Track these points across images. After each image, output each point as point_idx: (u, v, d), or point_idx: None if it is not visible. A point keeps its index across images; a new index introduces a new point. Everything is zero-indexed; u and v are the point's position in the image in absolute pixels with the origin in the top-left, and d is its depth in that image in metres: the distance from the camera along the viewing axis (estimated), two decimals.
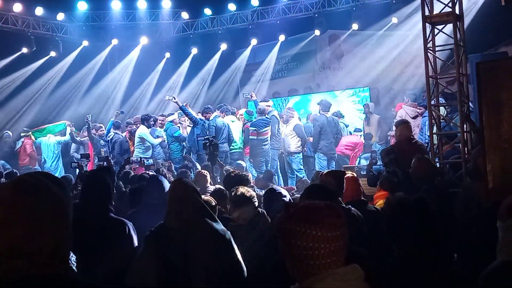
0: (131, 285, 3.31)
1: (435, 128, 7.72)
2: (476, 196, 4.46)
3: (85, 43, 15.59)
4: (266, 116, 11.41)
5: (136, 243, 3.74)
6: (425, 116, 9.64)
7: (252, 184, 7.39)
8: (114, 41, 15.76)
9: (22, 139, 12.87)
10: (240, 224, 3.78)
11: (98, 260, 3.49)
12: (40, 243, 1.46)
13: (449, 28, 7.73)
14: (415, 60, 13.35)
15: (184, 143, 11.54)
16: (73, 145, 13.07)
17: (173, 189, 3.48)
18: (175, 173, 9.42)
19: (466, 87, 7.58)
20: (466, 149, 7.16)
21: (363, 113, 12.97)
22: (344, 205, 3.93)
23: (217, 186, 6.12)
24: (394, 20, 13.87)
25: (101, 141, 12.22)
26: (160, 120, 12.15)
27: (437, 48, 7.76)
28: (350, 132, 12.58)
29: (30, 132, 13.22)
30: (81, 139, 12.98)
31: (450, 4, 7.51)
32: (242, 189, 3.97)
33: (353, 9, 13.97)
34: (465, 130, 7.30)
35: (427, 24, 7.67)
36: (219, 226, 3.41)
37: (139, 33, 15.95)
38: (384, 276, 2.51)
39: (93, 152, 12.03)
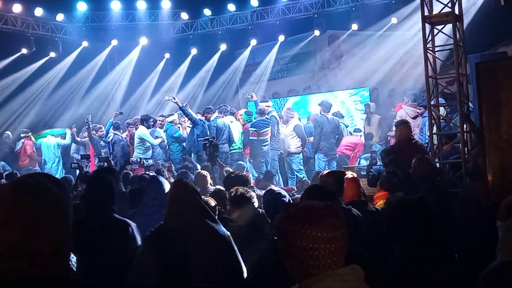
0: (131, 285, 3.31)
1: (435, 128, 7.71)
2: (475, 196, 4.46)
3: (85, 43, 15.59)
4: (266, 116, 11.42)
5: (139, 243, 3.75)
6: (425, 116, 9.65)
7: (252, 184, 7.39)
8: (114, 42, 15.76)
9: (22, 140, 12.86)
10: (240, 224, 3.78)
11: (102, 260, 3.49)
12: (40, 244, 1.46)
13: (448, 28, 7.73)
14: (414, 60, 13.37)
15: (184, 143, 11.54)
16: (73, 146, 13.06)
17: (173, 190, 3.48)
18: (175, 173, 9.43)
19: (466, 87, 7.58)
20: (466, 149, 7.16)
21: (364, 113, 12.98)
22: (344, 206, 3.93)
23: (217, 186, 6.13)
24: (394, 20, 13.88)
25: (101, 142, 12.21)
26: (159, 120, 12.14)
27: (436, 48, 7.76)
28: (350, 132, 12.59)
29: (30, 133, 13.22)
30: (82, 140, 12.98)
31: (449, 4, 7.51)
32: (242, 190, 3.98)
33: (352, 10, 13.98)
34: (464, 130, 7.30)
35: (426, 24, 7.67)
36: (219, 227, 3.42)
37: (138, 34, 15.95)
38: (384, 276, 2.51)
39: (93, 153, 12.02)
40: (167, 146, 11.70)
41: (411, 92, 11.68)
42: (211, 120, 11.28)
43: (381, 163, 7.11)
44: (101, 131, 12.40)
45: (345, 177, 4.51)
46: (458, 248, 4.08)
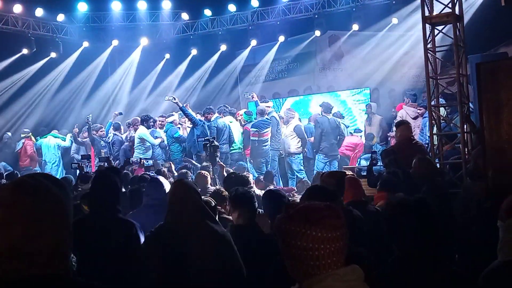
0: (131, 285, 3.32)
1: (435, 128, 7.71)
2: (476, 196, 4.46)
3: (86, 44, 15.60)
4: (267, 117, 11.42)
5: None
6: (425, 117, 9.65)
7: (252, 185, 7.39)
8: (115, 42, 15.76)
9: (23, 140, 12.87)
10: (240, 224, 3.78)
11: (105, 260, 3.49)
12: (40, 244, 1.46)
13: (449, 28, 7.73)
14: (415, 61, 13.38)
15: (184, 144, 11.54)
16: (74, 146, 13.06)
17: (173, 190, 3.48)
18: (176, 174, 9.43)
19: (466, 87, 7.58)
20: (466, 149, 7.16)
21: (365, 113, 12.98)
22: (345, 206, 3.93)
23: (217, 187, 6.13)
24: (394, 20, 13.87)
25: (102, 142, 12.21)
26: (160, 121, 12.14)
27: (437, 49, 7.76)
28: (350, 132, 12.59)
29: (30, 133, 13.22)
30: (82, 140, 12.99)
31: (450, 5, 7.51)
32: (241, 190, 3.98)
33: (353, 10, 13.98)
34: (465, 130, 7.30)
35: (427, 25, 7.67)
36: (219, 227, 3.42)
37: (139, 34, 15.96)
38: (384, 276, 2.51)
39: (94, 153, 12.03)
40: (167, 147, 11.70)
41: (412, 93, 11.69)
42: (211, 120, 11.28)
43: (381, 164, 7.11)
44: (101, 131, 12.40)
45: (346, 177, 4.51)
46: (458, 248, 4.08)
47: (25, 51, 14.33)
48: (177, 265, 3.22)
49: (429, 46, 7.63)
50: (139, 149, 11.47)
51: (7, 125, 14.19)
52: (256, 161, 11.35)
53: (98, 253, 3.53)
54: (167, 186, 4.42)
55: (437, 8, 7.71)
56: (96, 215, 3.76)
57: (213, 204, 3.91)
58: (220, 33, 15.62)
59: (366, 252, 3.03)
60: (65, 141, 13.11)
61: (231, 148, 11.42)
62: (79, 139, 12.94)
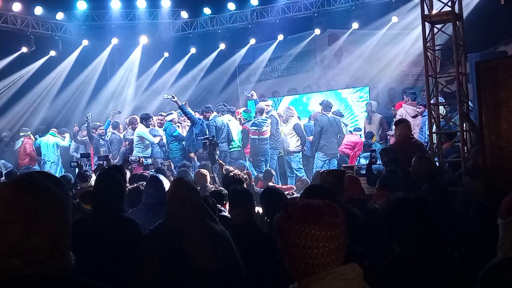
0: (130, 284, 3.31)
1: (434, 127, 7.71)
2: (475, 195, 4.47)
3: (85, 42, 15.58)
4: (266, 115, 11.43)
5: None
6: (425, 116, 9.64)
7: (252, 183, 7.40)
8: (114, 41, 15.74)
9: (22, 139, 12.86)
10: (239, 223, 3.78)
11: (109, 259, 3.48)
12: (38, 242, 1.46)
13: (448, 27, 7.72)
14: (414, 59, 13.37)
15: (183, 142, 11.54)
16: (73, 145, 13.06)
17: (173, 189, 3.48)
18: (175, 172, 9.44)
19: (466, 86, 7.58)
20: (465, 148, 7.16)
21: (365, 111, 12.98)
22: (344, 204, 3.93)
23: (217, 185, 6.13)
24: (394, 19, 13.85)
25: (101, 140, 12.21)
26: (159, 119, 12.14)
27: (436, 47, 7.75)
28: (349, 131, 12.58)
29: (30, 132, 13.21)
30: (82, 139, 12.98)
31: (449, 3, 7.50)
32: (240, 188, 3.98)
33: (352, 8, 13.96)
34: (464, 129, 7.29)
35: (426, 23, 7.66)
36: (218, 226, 3.41)
37: (138, 33, 15.93)
38: (383, 274, 2.51)
39: (93, 151, 12.02)
40: (167, 145, 11.70)
41: (411, 91, 11.69)
42: (210, 119, 11.28)
43: (380, 162, 7.11)
44: (100, 129, 12.40)
45: (345, 175, 4.51)
46: (458, 247, 4.08)
47: (24, 49, 14.31)
48: (176, 264, 3.21)
49: (428, 44, 7.62)
50: (138, 147, 11.46)
51: (8, 125, 14.15)
52: (256, 160, 11.36)
53: (101, 252, 3.52)
54: (167, 185, 4.41)
55: (437, 7, 7.71)
56: (100, 214, 3.75)
57: (212, 202, 3.91)
58: (219, 31, 15.61)
59: (366, 251, 3.03)
60: (64, 140, 13.11)
61: (230, 147, 11.43)
62: (78, 137, 12.93)
